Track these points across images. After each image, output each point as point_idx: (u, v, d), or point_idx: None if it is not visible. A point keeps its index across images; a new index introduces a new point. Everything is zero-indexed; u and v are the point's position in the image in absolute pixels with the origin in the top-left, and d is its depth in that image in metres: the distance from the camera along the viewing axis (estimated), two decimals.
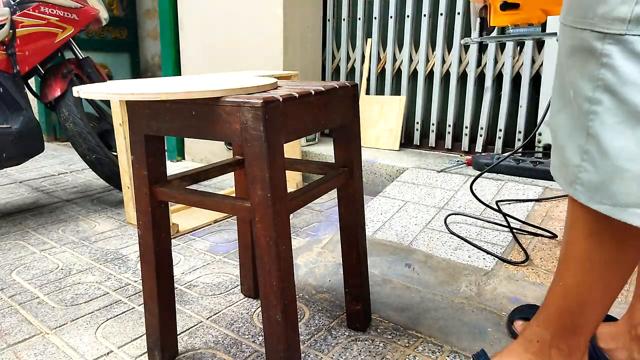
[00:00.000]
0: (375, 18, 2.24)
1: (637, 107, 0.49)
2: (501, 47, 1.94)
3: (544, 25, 1.16)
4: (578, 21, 0.53)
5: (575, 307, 0.64)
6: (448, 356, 0.89)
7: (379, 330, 0.98)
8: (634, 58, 0.48)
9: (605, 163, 0.52)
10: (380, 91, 2.32)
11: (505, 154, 1.62)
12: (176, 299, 1.12)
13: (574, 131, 0.56)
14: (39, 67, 1.78)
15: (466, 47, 2.02)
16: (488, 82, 1.96)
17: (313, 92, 0.75)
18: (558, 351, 0.67)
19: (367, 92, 2.30)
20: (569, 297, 0.65)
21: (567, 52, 0.55)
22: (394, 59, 2.23)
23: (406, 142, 2.23)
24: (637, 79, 0.48)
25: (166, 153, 0.85)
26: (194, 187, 1.93)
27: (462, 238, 1.30)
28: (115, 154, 1.78)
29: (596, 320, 0.65)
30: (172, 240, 1.48)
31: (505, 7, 1.16)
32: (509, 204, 1.47)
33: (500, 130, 1.96)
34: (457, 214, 1.43)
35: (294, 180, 2.00)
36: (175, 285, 1.19)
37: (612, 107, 0.50)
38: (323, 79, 2.51)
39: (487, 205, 1.46)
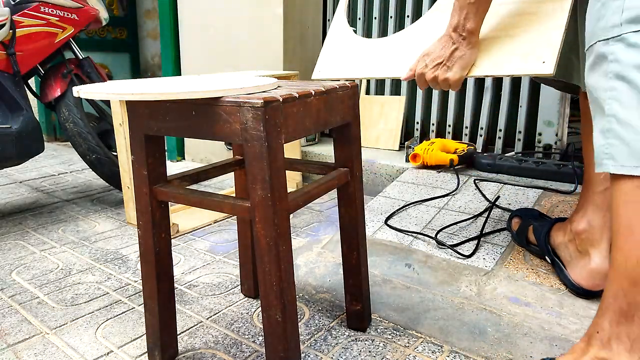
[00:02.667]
0: (375, 18, 2.24)
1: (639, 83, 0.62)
2: None
3: None
4: (591, 41, 0.69)
5: (627, 285, 0.63)
6: (448, 356, 0.89)
7: (379, 330, 0.98)
8: (630, 48, 0.63)
9: (629, 133, 0.63)
10: (380, 91, 2.32)
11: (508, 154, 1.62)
12: (176, 299, 1.12)
13: (597, 119, 0.68)
14: (39, 67, 1.78)
15: None
16: (488, 82, 1.96)
17: (313, 92, 0.75)
18: (618, 342, 0.65)
19: (367, 92, 2.31)
20: (619, 275, 0.64)
21: (589, 66, 0.70)
22: None
23: (406, 142, 2.23)
24: (636, 62, 0.63)
25: (166, 153, 0.85)
26: (194, 187, 1.93)
27: (451, 247, 1.30)
28: (115, 154, 1.78)
29: None
30: (172, 240, 1.48)
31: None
32: (509, 204, 1.47)
33: (500, 130, 1.96)
34: (448, 227, 1.42)
35: (294, 180, 2.00)
36: (175, 285, 1.19)
37: (623, 88, 0.64)
38: None
39: (492, 203, 1.46)
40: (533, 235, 1.17)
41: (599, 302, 0.99)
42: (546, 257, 1.12)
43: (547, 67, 0.87)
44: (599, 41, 0.66)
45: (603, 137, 0.66)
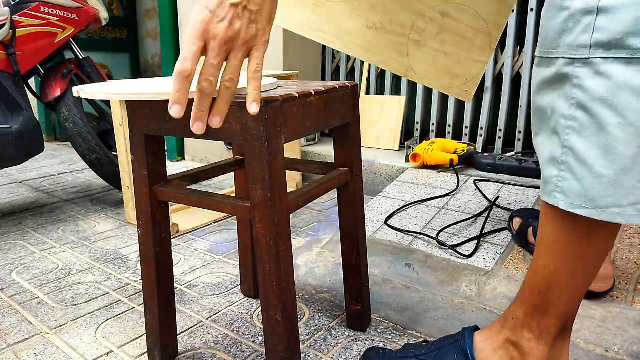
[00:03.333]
0: None
1: (604, 120, 0.56)
2: (501, 47, 1.94)
3: None
4: (551, 52, 0.61)
5: (544, 288, 0.68)
6: None
7: (379, 330, 0.98)
8: (598, 77, 0.56)
9: (584, 171, 0.58)
10: (380, 91, 2.32)
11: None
12: (176, 299, 1.12)
13: (551, 146, 0.62)
14: (39, 67, 1.78)
15: None
16: (488, 82, 1.96)
17: (313, 92, 0.75)
18: (529, 330, 0.70)
19: (367, 92, 2.31)
20: (538, 277, 0.68)
21: (545, 79, 0.62)
22: None
23: (406, 142, 2.23)
24: (603, 94, 0.55)
25: (166, 153, 0.85)
26: (194, 187, 1.93)
27: (452, 247, 1.30)
28: (115, 154, 1.78)
29: (565, 304, 0.67)
30: (172, 240, 1.48)
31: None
32: (509, 204, 1.47)
33: (500, 130, 1.96)
34: (448, 226, 1.42)
35: (294, 180, 2.00)
36: (175, 285, 1.19)
37: (585, 121, 0.57)
38: (323, 79, 2.51)
39: (492, 203, 1.46)
40: (533, 236, 1.17)
41: (597, 301, 1.00)
42: None
43: (468, 96, 1.08)
44: (563, 58, 0.59)
45: (556, 167, 0.61)
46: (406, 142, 1.94)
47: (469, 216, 1.42)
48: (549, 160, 0.63)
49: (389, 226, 1.40)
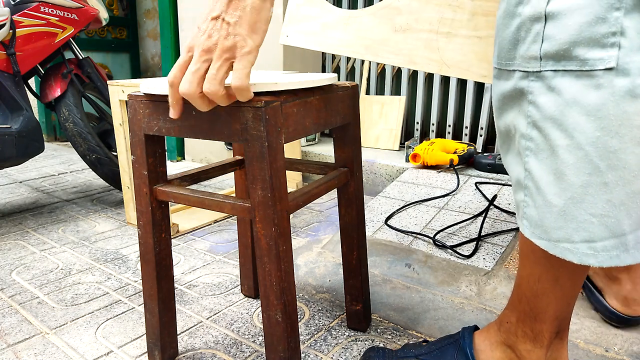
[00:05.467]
0: None
1: (554, 142, 0.50)
2: None
3: None
4: (508, 63, 0.55)
5: (531, 296, 0.66)
6: None
7: (379, 330, 0.98)
8: (550, 93, 0.50)
9: (539, 198, 0.54)
10: (380, 91, 2.32)
11: None
12: (176, 299, 1.12)
13: (517, 168, 0.58)
14: (39, 67, 1.78)
15: None
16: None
17: (313, 92, 0.75)
18: (523, 334, 0.69)
19: (367, 92, 2.31)
20: (524, 285, 0.67)
21: (505, 93, 0.57)
22: None
23: (406, 142, 2.23)
24: (554, 113, 0.50)
25: (166, 153, 0.85)
26: (194, 187, 1.93)
27: (451, 248, 1.30)
28: (115, 154, 1.78)
29: (555, 310, 0.65)
30: (172, 240, 1.48)
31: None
32: (509, 204, 1.47)
33: None
34: (445, 229, 1.43)
35: (294, 180, 2.00)
36: (175, 285, 1.19)
37: (540, 142, 0.52)
38: None
39: (491, 203, 1.46)
40: None
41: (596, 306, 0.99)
42: None
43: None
44: (519, 71, 0.53)
45: (522, 191, 0.57)
46: (406, 142, 1.94)
47: (469, 216, 1.42)
48: (516, 183, 0.58)
49: (389, 226, 1.40)
